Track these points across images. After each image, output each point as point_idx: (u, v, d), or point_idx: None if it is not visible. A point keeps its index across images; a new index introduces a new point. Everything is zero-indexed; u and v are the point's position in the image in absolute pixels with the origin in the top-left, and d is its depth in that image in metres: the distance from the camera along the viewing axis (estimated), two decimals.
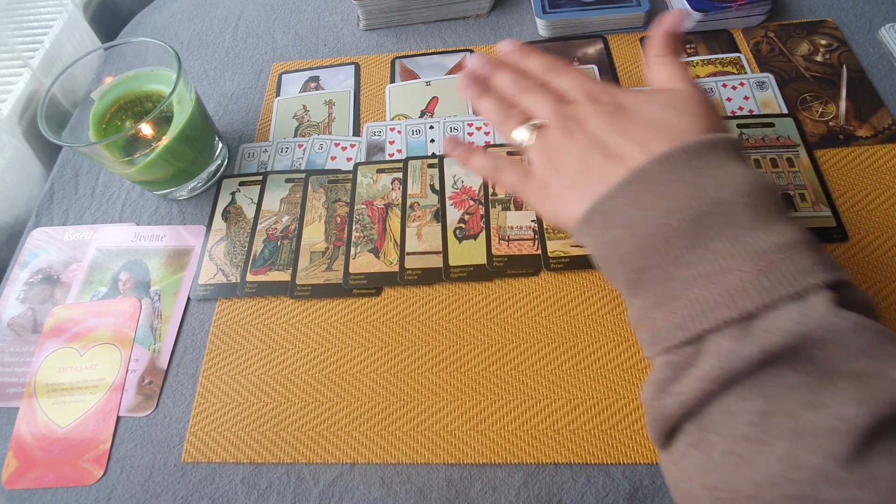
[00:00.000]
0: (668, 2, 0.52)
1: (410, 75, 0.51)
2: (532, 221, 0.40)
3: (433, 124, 0.47)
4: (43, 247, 0.45)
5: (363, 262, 0.40)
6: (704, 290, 0.22)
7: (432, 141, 0.46)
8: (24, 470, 0.35)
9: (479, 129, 0.46)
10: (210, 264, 0.42)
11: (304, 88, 0.52)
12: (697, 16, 0.48)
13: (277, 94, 0.52)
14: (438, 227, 0.41)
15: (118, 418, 0.37)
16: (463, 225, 0.41)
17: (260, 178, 0.46)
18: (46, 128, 0.38)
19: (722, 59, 0.48)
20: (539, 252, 0.39)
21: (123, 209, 0.46)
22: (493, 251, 0.40)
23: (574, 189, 0.28)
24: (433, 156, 0.45)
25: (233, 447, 0.35)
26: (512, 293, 0.38)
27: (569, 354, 0.36)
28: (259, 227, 0.43)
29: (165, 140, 0.39)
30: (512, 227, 0.40)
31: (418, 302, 0.39)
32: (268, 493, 0.33)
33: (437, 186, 0.43)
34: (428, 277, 0.39)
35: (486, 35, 0.53)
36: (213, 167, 0.46)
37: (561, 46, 0.51)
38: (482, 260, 0.39)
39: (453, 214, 0.42)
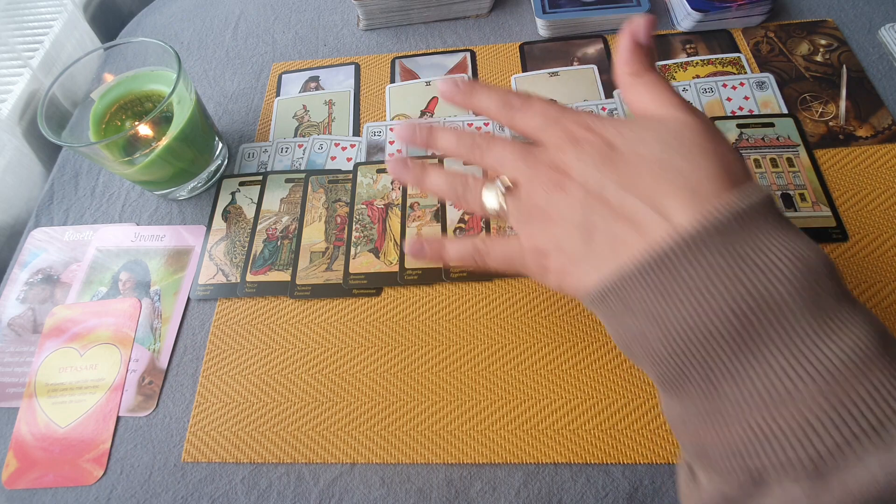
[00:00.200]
0: (669, 3, 0.52)
1: (410, 75, 0.51)
2: None
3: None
4: (43, 247, 0.45)
5: (363, 262, 0.40)
6: (763, 419, 0.18)
7: None
8: (24, 470, 0.35)
9: (479, 128, 0.46)
10: (210, 264, 0.42)
11: (304, 88, 0.52)
12: (697, 16, 0.48)
13: (277, 94, 0.52)
14: (438, 227, 0.41)
15: (118, 418, 0.37)
16: (463, 225, 0.41)
17: (260, 178, 0.46)
18: (46, 128, 0.38)
19: (722, 59, 0.48)
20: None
21: (123, 209, 0.46)
22: None
23: (579, 263, 0.23)
24: (433, 156, 0.45)
25: (233, 447, 0.35)
26: (512, 293, 0.38)
27: (569, 354, 0.36)
28: (259, 227, 0.43)
29: (165, 140, 0.39)
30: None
31: (418, 302, 0.39)
32: (268, 493, 0.33)
33: None
34: (428, 277, 0.39)
35: (486, 35, 0.53)
36: (213, 167, 0.46)
37: (561, 46, 0.51)
38: None
39: (453, 214, 0.42)
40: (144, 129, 0.39)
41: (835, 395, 0.17)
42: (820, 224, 0.38)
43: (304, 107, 0.51)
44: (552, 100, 0.27)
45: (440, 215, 0.42)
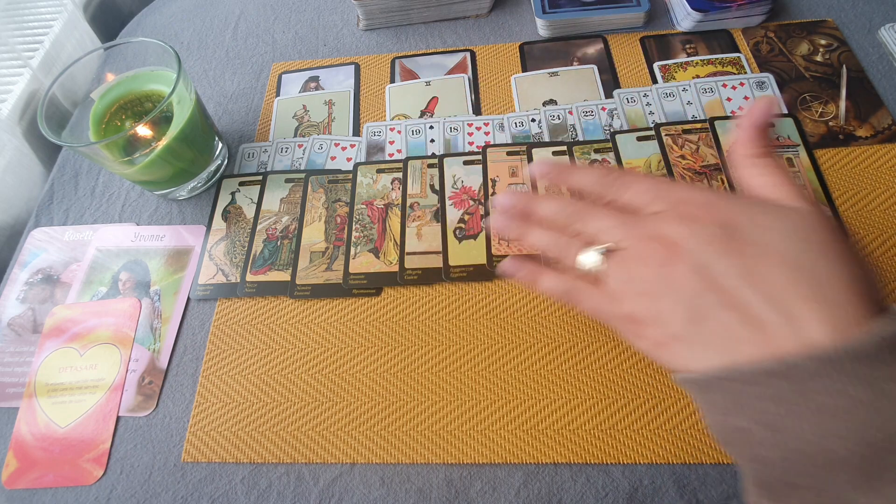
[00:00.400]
0: (669, 3, 0.52)
1: (410, 75, 0.51)
2: None
3: (433, 124, 0.47)
4: (43, 247, 0.45)
5: (363, 262, 0.40)
6: None
7: (432, 141, 0.46)
8: (24, 470, 0.35)
9: (478, 129, 0.46)
10: (210, 264, 0.42)
11: (304, 88, 0.52)
12: (697, 16, 0.48)
13: (277, 94, 0.52)
14: (438, 227, 0.41)
15: (118, 418, 0.37)
16: (463, 225, 0.41)
17: (260, 178, 0.46)
18: (46, 128, 0.38)
19: (722, 59, 0.48)
20: (539, 252, 0.39)
21: (123, 209, 0.46)
22: (493, 251, 0.39)
23: (682, 342, 0.22)
24: (433, 156, 0.45)
25: (233, 447, 0.35)
26: (512, 293, 0.38)
27: (569, 354, 0.36)
28: (259, 227, 0.43)
29: (165, 140, 0.39)
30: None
31: (418, 302, 0.39)
32: (268, 492, 0.33)
33: (436, 186, 0.43)
34: (428, 277, 0.39)
35: (486, 35, 0.53)
36: (213, 167, 0.46)
37: (561, 46, 0.51)
38: (482, 260, 0.39)
39: (453, 214, 0.42)
40: (144, 130, 0.39)
41: None
42: None
43: (304, 107, 0.51)
44: (647, 173, 0.26)
45: (440, 215, 0.42)
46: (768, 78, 0.46)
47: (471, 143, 0.46)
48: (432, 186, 0.43)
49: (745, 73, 0.47)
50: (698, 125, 0.43)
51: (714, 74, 0.47)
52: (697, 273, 0.21)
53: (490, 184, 0.43)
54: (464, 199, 0.42)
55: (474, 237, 0.40)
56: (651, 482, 0.31)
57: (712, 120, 0.44)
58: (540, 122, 0.46)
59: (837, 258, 0.20)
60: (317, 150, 0.47)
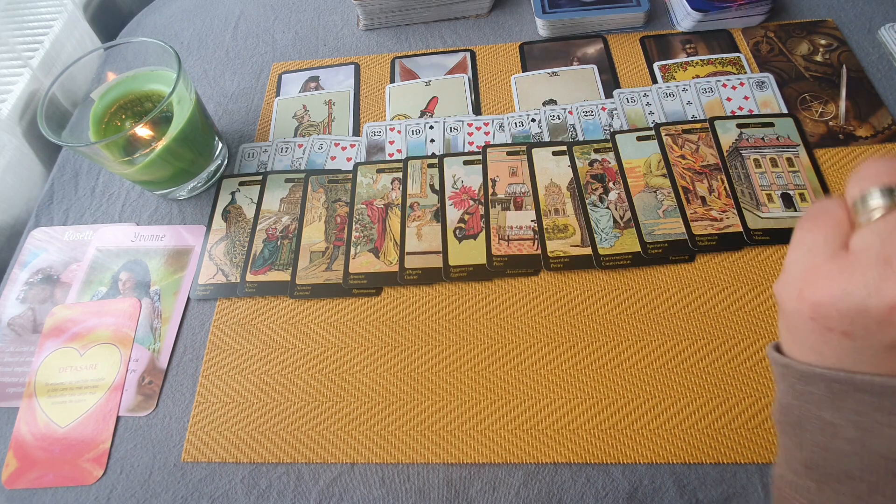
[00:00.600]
0: (669, 2, 0.52)
1: (410, 75, 0.51)
2: (532, 221, 0.40)
3: (433, 124, 0.47)
4: (43, 247, 0.45)
5: (363, 262, 0.40)
6: None
7: (432, 141, 0.46)
8: (24, 470, 0.35)
9: (478, 128, 0.46)
10: (210, 264, 0.42)
11: (304, 88, 0.52)
12: (697, 16, 0.48)
13: (277, 94, 0.52)
14: (438, 226, 0.41)
15: (118, 418, 0.37)
16: (463, 225, 0.41)
17: (260, 178, 0.46)
18: (46, 128, 0.38)
19: (722, 58, 0.48)
20: (539, 252, 0.39)
21: (123, 209, 0.46)
22: (493, 251, 0.40)
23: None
24: (433, 155, 0.45)
25: (233, 447, 0.35)
26: (512, 293, 0.38)
27: (569, 354, 0.36)
28: (259, 227, 0.43)
29: (165, 140, 0.39)
30: (512, 227, 0.40)
31: (418, 302, 0.39)
32: (268, 492, 0.33)
33: (436, 186, 0.43)
34: (428, 277, 0.39)
35: (486, 35, 0.53)
36: (213, 167, 0.46)
37: (561, 46, 0.51)
38: (482, 260, 0.39)
39: (453, 214, 0.42)
40: (144, 130, 0.39)
41: None
42: None
43: (304, 107, 0.51)
44: None
45: (440, 215, 0.42)
46: (768, 78, 0.46)
47: (471, 143, 0.46)
48: (432, 186, 0.43)
49: (745, 72, 0.47)
50: (698, 125, 0.43)
51: (714, 74, 0.47)
52: None
53: (490, 184, 0.43)
54: (464, 198, 0.42)
55: (474, 237, 0.40)
56: (651, 482, 0.31)
57: (712, 120, 0.44)
58: (540, 121, 0.46)
59: None
60: (317, 149, 0.47)
